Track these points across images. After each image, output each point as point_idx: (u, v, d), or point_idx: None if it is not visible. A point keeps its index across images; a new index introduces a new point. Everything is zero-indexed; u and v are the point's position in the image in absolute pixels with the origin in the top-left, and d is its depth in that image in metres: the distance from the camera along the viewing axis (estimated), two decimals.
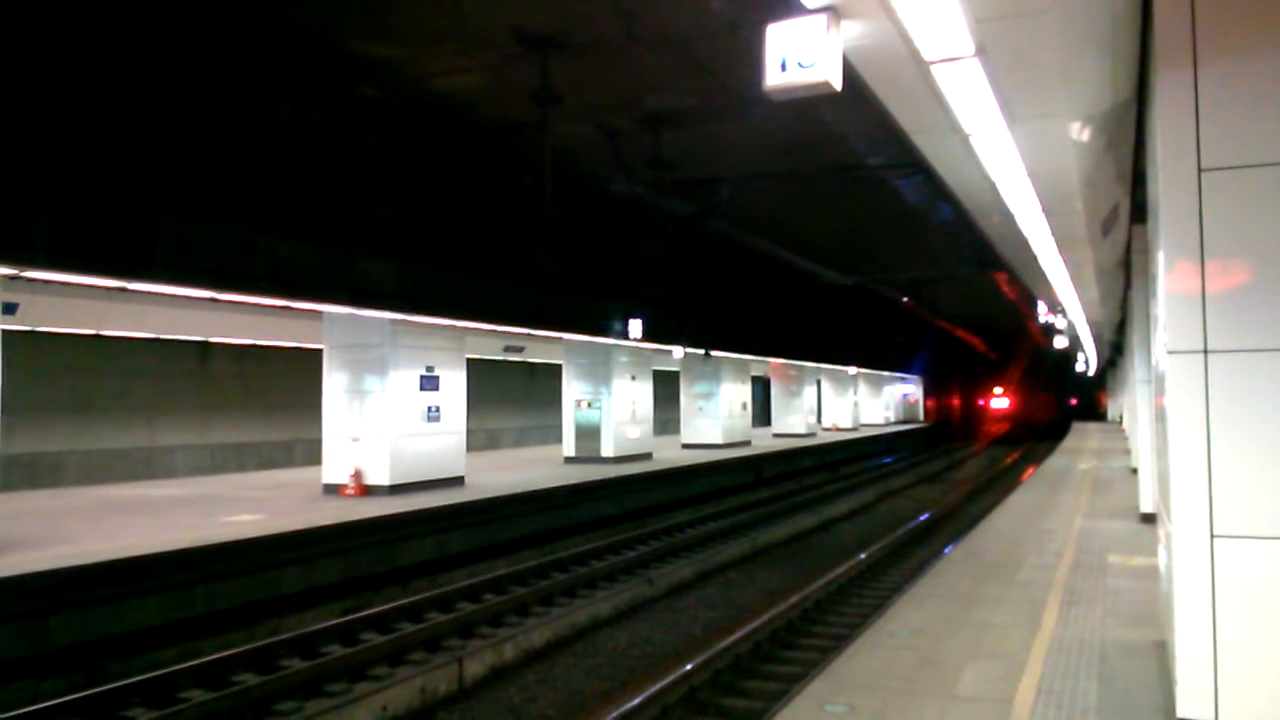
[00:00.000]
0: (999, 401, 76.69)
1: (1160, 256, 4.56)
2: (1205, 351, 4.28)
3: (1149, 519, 11.87)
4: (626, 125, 13.81)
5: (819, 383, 42.91)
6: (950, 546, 12.61)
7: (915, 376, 62.38)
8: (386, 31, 10.58)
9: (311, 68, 11.58)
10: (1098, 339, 30.35)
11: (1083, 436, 37.75)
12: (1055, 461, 24.87)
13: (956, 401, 72.72)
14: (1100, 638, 6.78)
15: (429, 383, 16.63)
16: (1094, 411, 63.83)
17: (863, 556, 13.99)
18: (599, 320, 19.13)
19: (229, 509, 13.73)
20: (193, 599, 10.34)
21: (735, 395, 30.34)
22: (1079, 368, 47.80)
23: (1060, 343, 31.66)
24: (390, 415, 15.75)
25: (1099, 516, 13.30)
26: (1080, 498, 15.73)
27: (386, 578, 12.78)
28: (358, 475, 15.58)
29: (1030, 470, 26.01)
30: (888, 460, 37.83)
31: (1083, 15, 4.92)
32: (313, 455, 19.17)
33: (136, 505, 14.37)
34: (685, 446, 28.83)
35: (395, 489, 15.57)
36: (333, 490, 15.79)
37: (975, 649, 6.54)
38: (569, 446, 23.40)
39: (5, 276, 9.88)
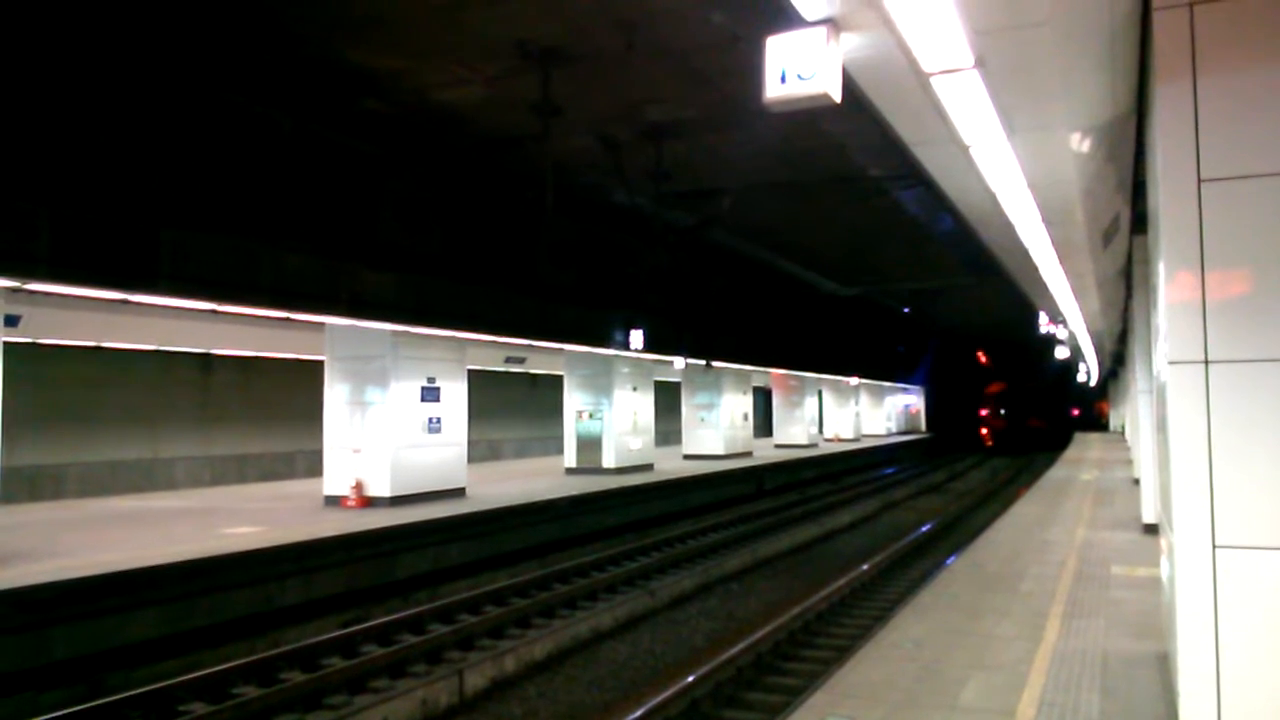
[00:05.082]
0: (1001, 411, 76.57)
1: (1160, 267, 4.57)
2: (1206, 362, 4.27)
3: (1151, 529, 11.84)
4: (627, 136, 13.85)
5: (820, 393, 42.89)
6: (952, 557, 12.59)
7: (917, 387, 62.35)
8: (388, 43, 10.63)
9: (313, 79, 11.62)
10: (1099, 349, 30.35)
11: (1084, 447, 37.69)
12: (1057, 472, 24.82)
13: (958, 412, 72.58)
14: (1103, 649, 6.76)
15: (430, 394, 16.63)
16: (1096, 422, 63.74)
17: (865, 568, 13.96)
18: (600, 331, 19.14)
19: (229, 521, 13.71)
20: (193, 611, 10.32)
21: (737, 406, 30.33)
22: (1080, 378, 47.75)
23: (1062, 353, 31.65)
24: (391, 426, 15.75)
25: (1101, 527, 13.27)
26: (1083, 508, 15.69)
27: (387, 589, 12.76)
28: (359, 487, 15.57)
29: (1032, 482, 25.95)
30: (889, 471, 37.78)
31: (1081, 27, 4.94)
32: (314, 466, 19.16)
33: (137, 517, 14.35)
34: (687, 457, 28.81)
35: (396, 500, 15.56)
36: (334, 502, 15.78)
37: (978, 660, 6.51)
38: (570, 457, 23.39)
39: (8, 289, 9.90)
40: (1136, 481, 15.55)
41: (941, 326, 44.71)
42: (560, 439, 24.67)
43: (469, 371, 18.08)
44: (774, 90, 4.65)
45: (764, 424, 39.99)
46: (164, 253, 10.30)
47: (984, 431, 70.78)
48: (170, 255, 10.37)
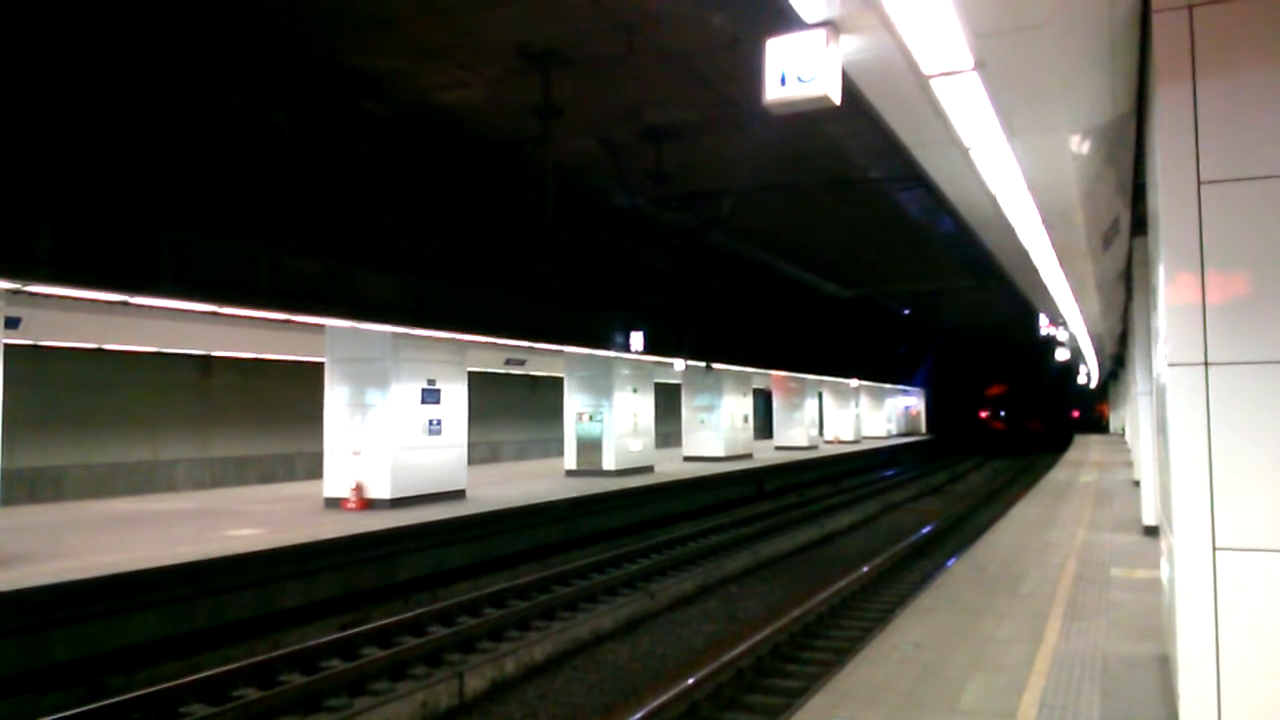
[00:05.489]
0: (1001, 413, 76.63)
1: (1160, 269, 4.57)
2: (1206, 364, 4.27)
3: (1151, 531, 11.84)
4: (628, 138, 13.86)
5: (820, 395, 42.87)
6: (953, 559, 12.58)
7: (917, 389, 62.35)
8: (388, 46, 10.64)
9: (314, 82, 11.63)
10: (1099, 351, 30.34)
11: (1085, 449, 37.69)
12: (1057, 474, 24.82)
13: (959, 414, 72.62)
14: (1103, 651, 6.76)
15: (430, 396, 16.63)
16: (1097, 424, 63.76)
17: (865, 570, 13.96)
18: (600, 333, 19.14)
19: (230, 523, 13.71)
20: (193, 613, 10.32)
21: (737, 408, 30.33)
22: (1081, 380, 47.74)
23: (1062, 355, 31.65)
24: (391, 428, 15.75)
25: (1102, 529, 13.26)
26: (1083, 510, 15.68)
27: (387, 592, 12.75)
28: (359, 489, 15.57)
29: (1032, 484, 25.93)
30: (890, 473, 37.76)
31: (1081, 29, 4.94)
32: (314, 469, 19.16)
33: (137, 519, 14.35)
34: (687, 459, 28.81)
35: (396, 502, 15.55)
36: (334, 504, 15.78)
37: (978, 662, 6.51)
38: (570, 459, 23.40)
39: (8, 291, 9.91)
40: (1136, 483, 15.55)
41: (942, 328, 44.69)
42: (560, 441, 24.68)
43: (469, 373, 18.09)
44: (774, 92, 4.65)
45: (764, 426, 39.97)
46: (164, 255, 10.31)
47: (985, 433, 70.82)
48: (170, 257, 10.38)
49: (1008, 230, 10.02)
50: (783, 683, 9.05)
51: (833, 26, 4.57)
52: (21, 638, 8.77)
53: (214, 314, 13.46)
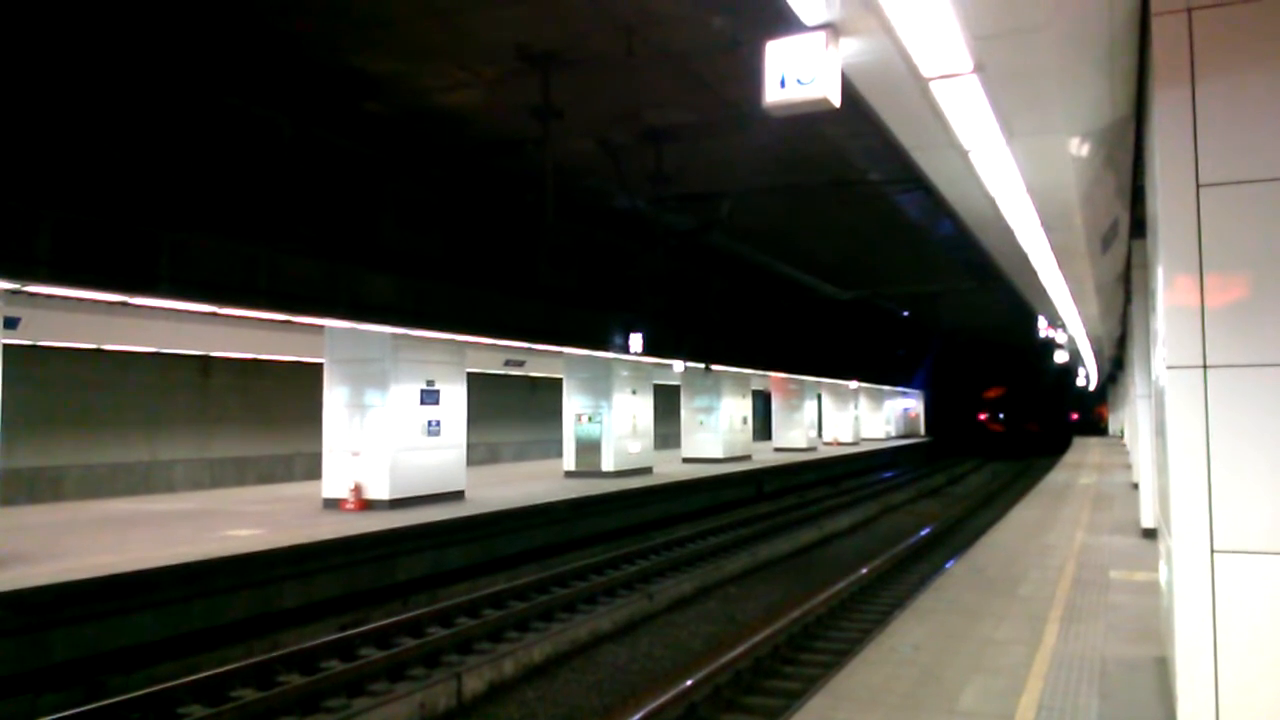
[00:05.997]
0: (1000, 415, 76.66)
1: (1159, 271, 4.57)
2: (1204, 366, 4.28)
3: (1150, 534, 11.84)
4: (627, 140, 13.86)
5: (819, 397, 42.89)
6: (952, 561, 12.58)
7: (916, 391, 62.36)
8: (388, 47, 10.64)
9: (315, 83, 11.63)
10: (1098, 353, 30.36)
11: (1083, 451, 37.69)
12: (1056, 476, 24.82)
13: (957, 416, 72.61)
14: (1101, 653, 6.76)
15: (429, 397, 16.63)
16: (1095, 426, 63.78)
17: (864, 571, 13.96)
18: (600, 334, 19.15)
19: (228, 523, 13.71)
20: (191, 614, 10.32)
21: (736, 409, 30.33)
22: (1080, 382, 47.76)
23: (1061, 357, 31.66)
24: (390, 429, 15.75)
25: (1100, 531, 13.27)
26: (1081, 513, 15.69)
27: (386, 592, 12.75)
28: (358, 490, 15.56)
29: (1031, 486, 25.94)
30: (888, 475, 37.77)
31: (1081, 32, 4.95)
32: (313, 469, 19.15)
33: (136, 520, 14.35)
34: (686, 461, 28.81)
35: (395, 503, 15.55)
36: (333, 505, 15.77)
37: (976, 664, 6.52)
38: (569, 461, 23.41)
39: (8, 291, 9.91)
40: (1135, 486, 15.55)
41: (941, 330, 44.73)
42: (559, 442, 24.68)
43: (468, 374, 18.09)
44: (773, 95, 4.65)
45: (763, 427, 39.98)
46: (164, 255, 10.31)
47: (983, 435, 70.88)
48: (170, 258, 10.38)
49: (1007, 232, 10.02)
50: (781, 684, 9.06)
51: (833, 29, 4.58)
52: (19, 638, 8.76)
53: (213, 314, 13.45)
